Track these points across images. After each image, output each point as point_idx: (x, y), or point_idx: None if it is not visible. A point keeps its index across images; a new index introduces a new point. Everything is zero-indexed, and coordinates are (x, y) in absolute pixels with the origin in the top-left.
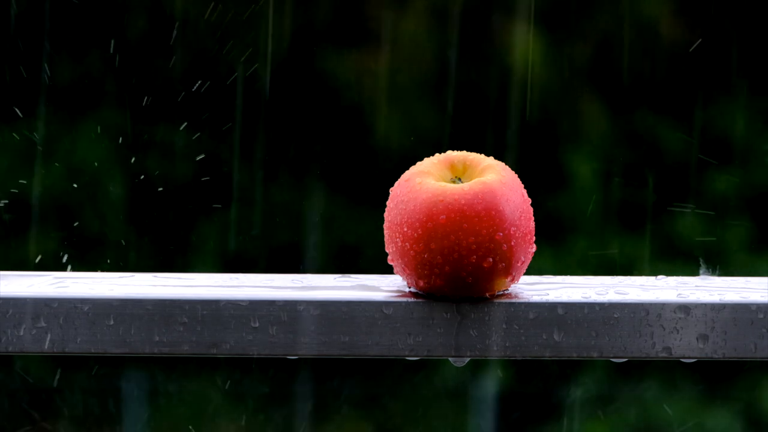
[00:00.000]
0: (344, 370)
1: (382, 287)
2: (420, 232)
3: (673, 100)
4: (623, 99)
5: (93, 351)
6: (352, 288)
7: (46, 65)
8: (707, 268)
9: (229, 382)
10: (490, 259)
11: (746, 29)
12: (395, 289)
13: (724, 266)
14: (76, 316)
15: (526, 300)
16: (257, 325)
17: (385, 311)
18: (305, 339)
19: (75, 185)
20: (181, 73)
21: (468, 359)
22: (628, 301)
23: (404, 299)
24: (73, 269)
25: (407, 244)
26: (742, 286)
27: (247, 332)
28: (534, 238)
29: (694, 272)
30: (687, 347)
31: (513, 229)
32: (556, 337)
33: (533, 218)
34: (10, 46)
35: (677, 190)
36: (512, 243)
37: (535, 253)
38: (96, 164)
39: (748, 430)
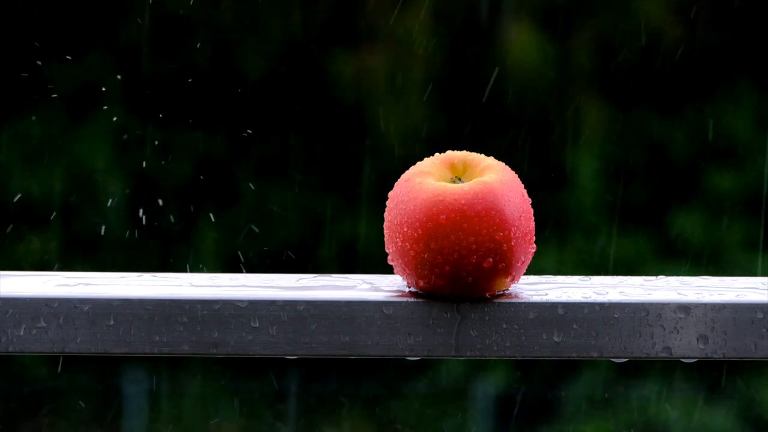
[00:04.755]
0: (344, 370)
1: (382, 287)
2: (420, 232)
3: (674, 99)
4: (624, 98)
5: (93, 351)
6: (352, 288)
7: (47, 66)
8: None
9: (229, 382)
10: (490, 259)
11: (747, 28)
12: (395, 289)
13: (724, 266)
14: (76, 316)
15: (526, 300)
16: (257, 325)
17: (385, 311)
18: (305, 339)
19: (75, 185)
20: (182, 73)
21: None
22: (628, 301)
23: (404, 299)
24: (73, 269)
25: (407, 244)
26: (742, 286)
27: (247, 332)
28: (534, 238)
29: (694, 272)
30: (687, 347)
31: (513, 229)
32: (556, 337)
33: (533, 218)
34: (12, 45)
35: (678, 190)
36: (512, 243)
37: (535, 253)
38: (96, 164)
39: (748, 430)
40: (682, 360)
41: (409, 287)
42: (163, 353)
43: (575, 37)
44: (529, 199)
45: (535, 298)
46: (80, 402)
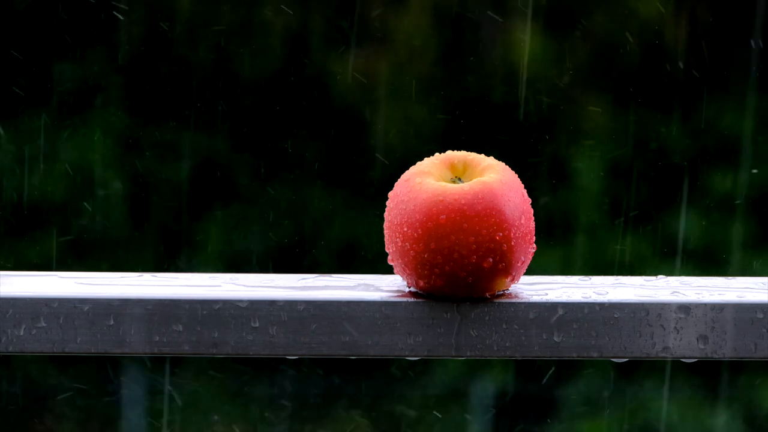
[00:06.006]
0: (344, 370)
1: (382, 287)
2: (420, 232)
3: (674, 98)
4: (624, 97)
5: (93, 351)
6: (352, 288)
7: (47, 65)
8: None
9: (228, 382)
10: (490, 259)
11: (747, 28)
12: (395, 289)
13: (724, 266)
14: (76, 316)
15: (526, 300)
16: (257, 325)
17: (385, 311)
18: (305, 339)
19: (75, 185)
20: (182, 73)
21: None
22: (628, 301)
23: (404, 299)
24: (73, 269)
25: (407, 244)
26: (742, 286)
27: (247, 332)
28: (534, 238)
29: (694, 272)
30: (687, 347)
31: (513, 229)
32: (556, 337)
33: (533, 218)
34: (12, 46)
35: (678, 189)
36: (512, 243)
37: (535, 253)
38: (96, 164)
39: (747, 430)
40: (682, 360)
41: (409, 287)
42: (163, 353)
43: (576, 36)
44: (529, 199)
45: (535, 298)
46: (80, 402)
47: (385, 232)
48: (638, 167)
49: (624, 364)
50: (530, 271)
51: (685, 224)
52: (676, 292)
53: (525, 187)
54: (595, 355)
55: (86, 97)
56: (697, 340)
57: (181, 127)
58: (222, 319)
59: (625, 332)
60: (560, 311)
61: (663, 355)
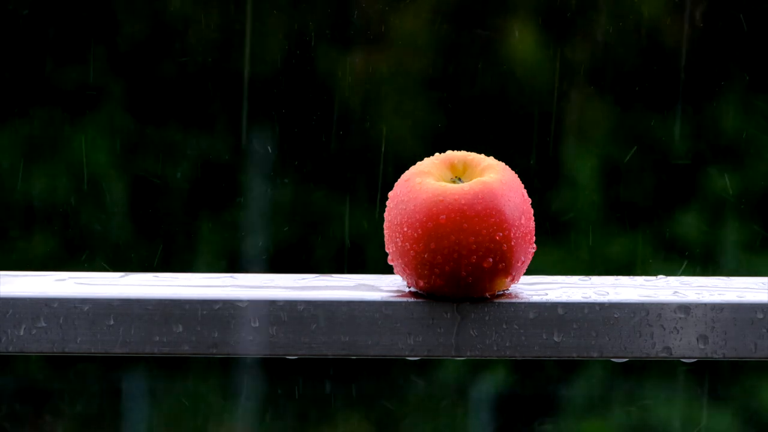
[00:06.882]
0: (345, 370)
1: (382, 287)
2: (420, 232)
3: (673, 98)
4: (623, 97)
5: (93, 351)
6: (352, 288)
7: (47, 65)
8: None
9: (228, 382)
10: (490, 259)
11: (746, 27)
12: (395, 289)
13: (724, 266)
14: (76, 316)
15: (526, 300)
16: (257, 325)
17: (385, 311)
18: (305, 339)
19: (75, 185)
20: (182, 73)
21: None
22: (628, 301)
23: (404, 299)
24: (73, 269)
25: (407, 244)
26: (742, 286)
27: (247, 332)
28: (534, 238)
29: (694, 272)
30: (687, 347)
31: (513, 229)
32: (556, 337)
33: (533, 218)
34: (12, 45)
35: (677, 190)
36: (512, 243)
37: (535, 252)
38: (96, 164)
39: (747, 430)
40: (682, 360)
41: (409, 287)
42: (163, 353)
43: (575, 37)
44: (529, 199)
45: (535, 298)
46: (80, 402)
47: (385, 232)
48: (637, 167)
49: (624, 364)
50: (530, 272)
51: (684, 224)
52: (676, 292)
53: (524, 187)
54: (595, 355)
55: (87, 97)
56: (697, 340)
57: (182, 128)
58: (222, 319)
59: (625, 332)
60: (560, 311)
61: (663, 355)
